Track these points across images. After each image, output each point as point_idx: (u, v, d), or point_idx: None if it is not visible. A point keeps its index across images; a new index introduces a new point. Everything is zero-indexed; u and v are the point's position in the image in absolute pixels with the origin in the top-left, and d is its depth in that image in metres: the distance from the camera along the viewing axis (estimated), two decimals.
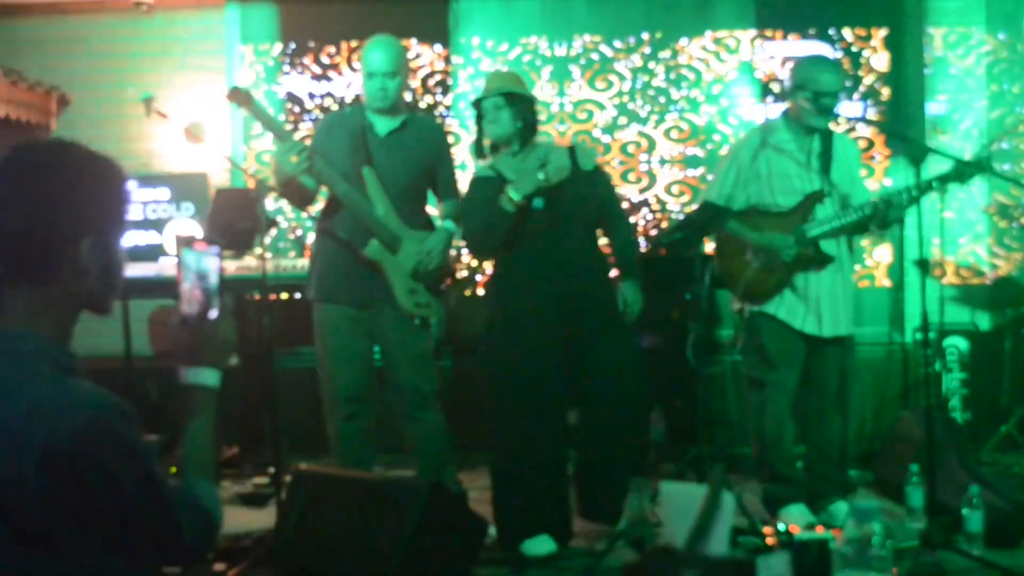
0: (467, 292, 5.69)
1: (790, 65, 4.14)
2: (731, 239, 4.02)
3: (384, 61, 3.83)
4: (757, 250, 3.95)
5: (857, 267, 5.71)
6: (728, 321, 5.28)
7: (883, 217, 3.83)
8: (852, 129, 5.60)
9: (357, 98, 3.96)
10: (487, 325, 3.89)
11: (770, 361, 3.96)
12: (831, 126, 4.02)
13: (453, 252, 4.12)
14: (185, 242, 1.71)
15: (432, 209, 4.11)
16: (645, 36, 5.80)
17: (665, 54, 5.79)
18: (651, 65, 5.81)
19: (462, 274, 5.51)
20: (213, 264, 1.70)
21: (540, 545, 3.68)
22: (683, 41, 5.79)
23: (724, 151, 5.65)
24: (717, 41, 5.79)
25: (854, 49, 5.79)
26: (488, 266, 5.68)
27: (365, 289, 3.86)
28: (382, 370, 3.98)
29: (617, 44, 5.81)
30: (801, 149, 3.95)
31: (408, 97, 5.46)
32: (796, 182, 3.93)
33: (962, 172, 3.71)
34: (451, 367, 5.33)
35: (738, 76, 5.79)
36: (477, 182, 3.90)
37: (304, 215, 4.44)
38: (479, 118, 3.86)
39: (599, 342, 3.81)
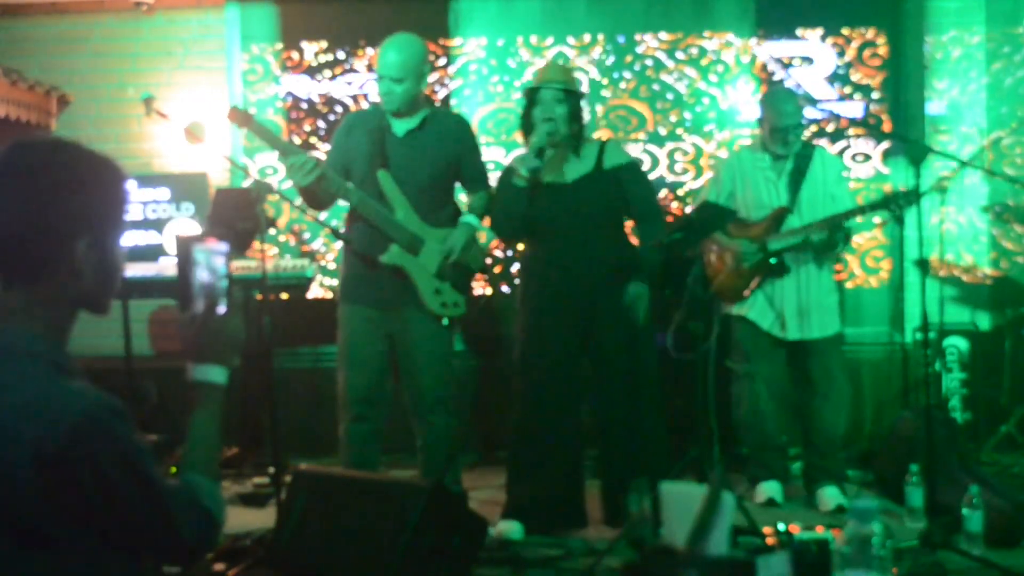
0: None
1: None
2: (711, 241, 4.38)
3: (391, 66, 3.78)
4: (725, 251, 4.37)
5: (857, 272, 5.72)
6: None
7: (830, 245, 4.23)
8: (845, 129, 5.63)
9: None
10: (518, 320, 4.02)
11: (744, 355, 4.43)
12: (822, 144, 4.44)
13: (481, 247, 4.11)
14: (194, 239, 1.71)
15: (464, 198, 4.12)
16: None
17: (666, 55, 5.79)
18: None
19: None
20: (221, 261, 1.72)
21: (512, 529, 3.83)
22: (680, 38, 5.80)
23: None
24: (707, 53, 5.79)
25: (854, 49, 5.78)
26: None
27: (388, 291, 3.85)
28: (399, 369, 3.98)
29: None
30: (774, 168, 4.36)
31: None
32: (765, 198, 4.35)
33: (890, 201, 4.04)
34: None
35: (738, 78, 5.78)
36: (505, 171, 3.99)
37: (309, 218, 4.42)
38: (530, 105, 3.91)
39: (614, 342, 3.89)
